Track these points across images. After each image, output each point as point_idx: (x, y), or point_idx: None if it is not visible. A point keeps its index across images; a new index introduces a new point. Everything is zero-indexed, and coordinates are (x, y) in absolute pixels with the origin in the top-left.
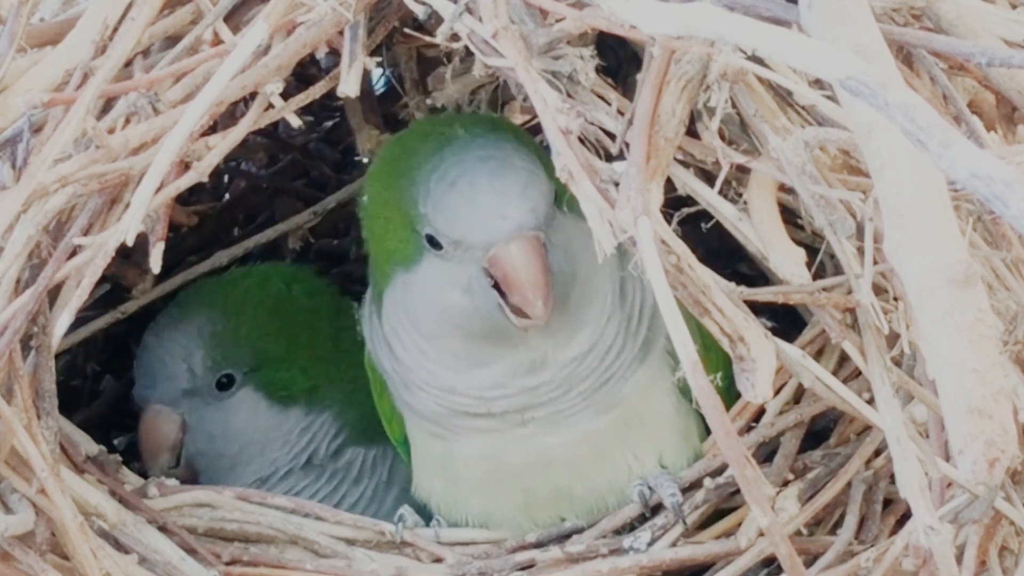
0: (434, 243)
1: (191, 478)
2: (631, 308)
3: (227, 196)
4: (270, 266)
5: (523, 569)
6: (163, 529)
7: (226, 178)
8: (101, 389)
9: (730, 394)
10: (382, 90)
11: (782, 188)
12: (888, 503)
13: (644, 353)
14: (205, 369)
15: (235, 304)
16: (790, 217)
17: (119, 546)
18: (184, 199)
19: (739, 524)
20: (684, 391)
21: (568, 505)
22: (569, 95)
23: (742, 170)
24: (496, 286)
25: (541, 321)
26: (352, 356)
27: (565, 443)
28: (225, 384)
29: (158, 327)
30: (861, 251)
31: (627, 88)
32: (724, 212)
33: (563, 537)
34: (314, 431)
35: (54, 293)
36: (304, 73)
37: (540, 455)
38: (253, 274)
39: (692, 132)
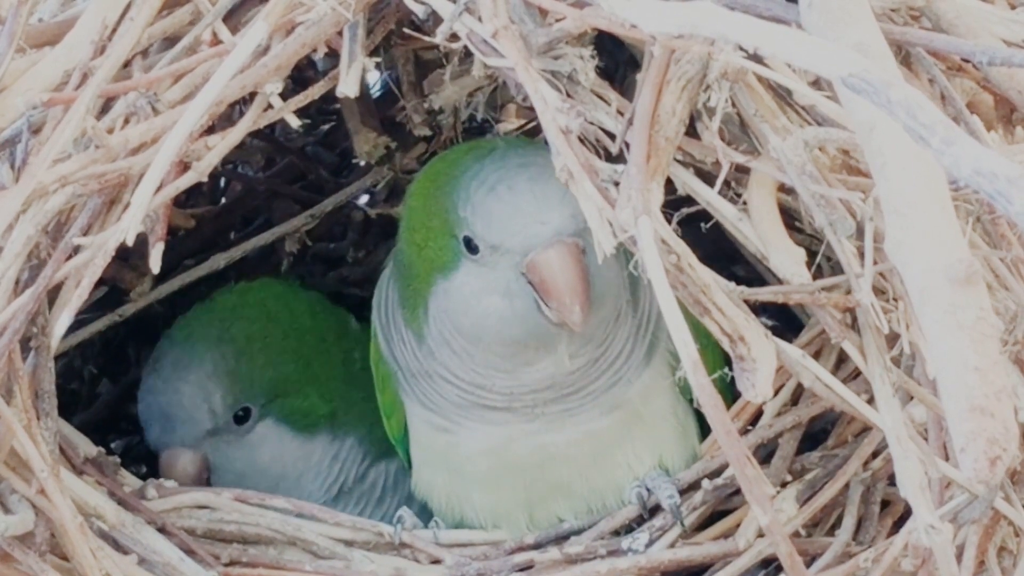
0: (471, 247)
1: None
2: (642, 315)
3: (224, 199)
4: (263, 286)
5: (522, 570)
6: (162, 530)
7: (223, 181)
8: (98, 392)
9: (727, 394)
10: (379, 93)
11: (782, 188)
12: (886, 504)
13: (649, 356)
14: (225, 407)
15: (244, 335)
16: (789, 217)
17: (118, 547)
18: (181, 202)
19: (737, 525)
20: (683, 391)
21: (567, 502)
22: (569, 95)
23: (742, 170)
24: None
25: (579, 328)
26: (362, 373)
27: (569, 440)
28: (242, 418)
29: (164, 369)
30: (861, 251)
31: (625, 90)
32: (724, 212)
33: (561, 538)
34: (343, 459)
35: (53, 293)
36: (301, 75)
37: (543, 451)
38: (250, 299)
39: (692, 132)
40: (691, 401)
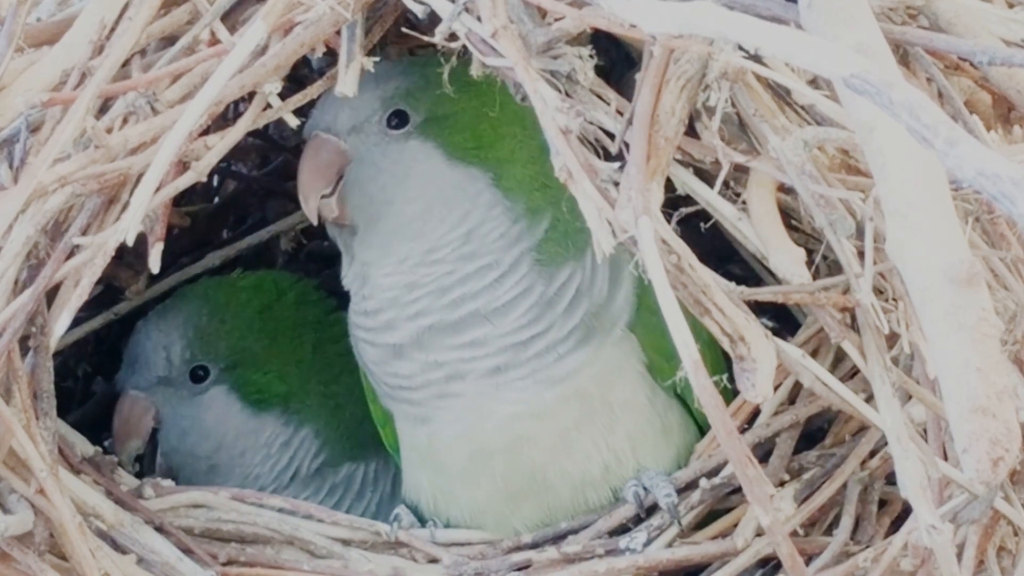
0: None
1: (169, 478)
2: (561, 289)
3: (218, 197)
4: (270, 272)
5: (519, 569)
6: (160, 529)
7: (217, 179)
8: (92, 390)
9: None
10: None
11: (781, 188)
12: (883, 503)
13: (588, 334)
14: (181, 360)
15: (223, 302)
16: (789, 217)
17: (117, 546)
18: (176, 200)
19: (735, 524)
20: (669, 386)
21: (547, 496)
22: (568, 94)
23: (741, 170)
24: None
25: (309, 217)
26: (335, 371)
27: (524, 413)
28: (200, 377)
29: (148, 318)
30: (861, 251)
31: (621, 88)
32: (724, 212)
33: (559, 537)
34: (295, 446)
35: (52, 293)
36: (297, 74)
37: (510, 432)
38: (249, 277)
39: (692, 132)
40: (680, 397)
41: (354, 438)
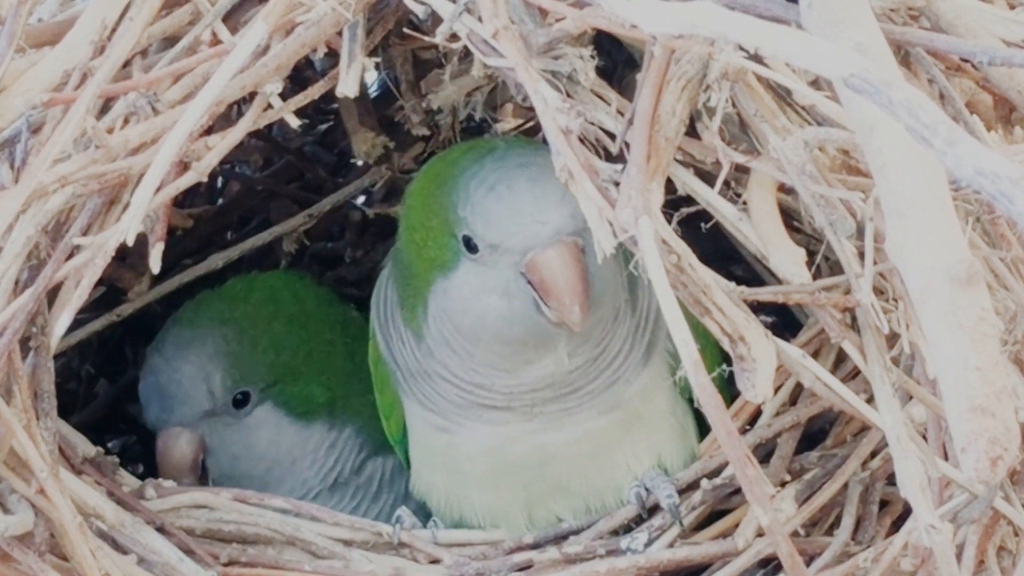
0: (470, 246)
1: None
2: (640, 314)
3: (221, 199)
4: (273, 276)
5: (521, 570)
6: (161, 530)
7: (220, 181)
8: (95, 392)
9: (726, 392)
10: (377, 93)
11: (782, 188)
12: (884, 504)
13: (648, 356)
14: (223, 389)
15: (249, 319)
16: (789, 217)
17: (118, 547)
18: (179, 202)
19: (736, 525)
20: (683, 391)
21: (567, 502)
22: (569, 95)
23: (742, 170)
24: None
25: (578, 327)
26: (363, 365)
27: (568, 440)
28: (241, 401)
29: (167, 348)
30: (861, 251)
31: (623, 89)
32: (724, 212)
33: (560, 538)
34: (339, 448)
35: (53, 294)
36: (299, 75)
37: (542, 451)
38: (258, 286)
39: (692, 132)
40: (691, 401)
41: (383, 432)
